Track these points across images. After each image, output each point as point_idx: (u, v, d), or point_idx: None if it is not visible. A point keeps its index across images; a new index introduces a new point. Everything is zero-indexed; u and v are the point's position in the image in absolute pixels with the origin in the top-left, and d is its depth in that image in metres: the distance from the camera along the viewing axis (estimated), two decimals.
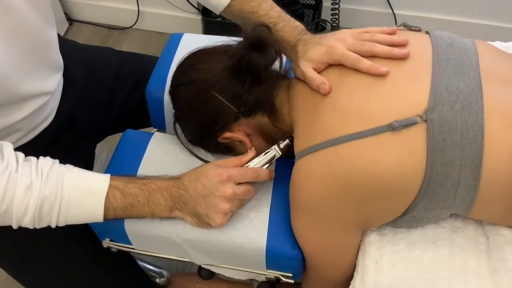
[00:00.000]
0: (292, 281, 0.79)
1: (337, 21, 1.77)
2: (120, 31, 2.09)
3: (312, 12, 1.80)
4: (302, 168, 0.69)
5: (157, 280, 1.23)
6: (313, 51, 0.74)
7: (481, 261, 0.68)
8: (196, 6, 1.91)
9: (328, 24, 1.81)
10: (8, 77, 0.71)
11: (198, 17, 1.90)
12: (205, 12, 1.72)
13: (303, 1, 1.78)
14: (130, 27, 2.08)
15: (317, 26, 1.78)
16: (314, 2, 1.78)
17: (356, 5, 1.87)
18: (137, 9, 2.00)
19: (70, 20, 2.11)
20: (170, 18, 2.01)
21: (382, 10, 1.86)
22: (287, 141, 0.78)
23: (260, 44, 0.73)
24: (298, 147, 0.72)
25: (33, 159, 0.68)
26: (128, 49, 1.95)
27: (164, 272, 1.24)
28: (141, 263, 1.12)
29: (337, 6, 1.73)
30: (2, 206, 0.63)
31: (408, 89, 0.66)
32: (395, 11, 1.83)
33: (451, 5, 1.77)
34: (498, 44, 0.91)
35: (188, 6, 1.92)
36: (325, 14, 1.78)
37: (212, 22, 1.71)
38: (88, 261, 0.91)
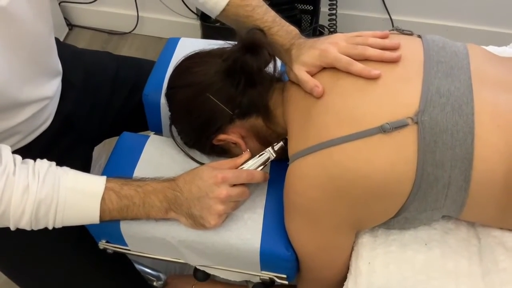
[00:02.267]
0: (286, 282, 0.80)
1: (334, 27, 1.78)
2: (119, 36, 2.11)
3: (309, 18, 1.82)
4: (296, 171, 0.70)
5: (154, 283, 1.23)
6: (307, 54, 0.75)
7: (473, 262, 0.69)
8: (195, 12, 1.93)
9: (325, 29, 1.83)
10: (8, 85, 0.72)
11: (197, 23, 1.91)
12: (203, 17, 1.74)
13: (301, 7, 1.79)
14: (130, 32, 2.09)
15: (314, 31, 1.79)
16: (311, 8, 1.79)
17: (353, 11, 1.88)
18: (136, 14, 2.02)
19: (70, 25, 2.12)
20: (169, 23, 2.02)
21: (379, 15, 1.87)
22: (281, 143, 0.79)
23: (254, 47, 0.74)
24: (292, 150, 0.73)
25: (30, 161, 0.69)
26: (127, 54, 1.96)
27: (162, 275, 1.24)
28: (138, 266, 1.12)
29: (334, 11, 1.74)
30: (0, 208, 0.64)
31: (399, 91, 0.67)
32: (392, 17, 1.85)
33: (448, 10, 1.79)
34: (491, 49, 0.92)
35: (187, 11, 1.94)
36: (323, 20, 1.80)
37: (210, 28, 1.72)
38: (85, 263, 0.92)
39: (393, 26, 1.86)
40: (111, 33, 2.11)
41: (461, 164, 0.63)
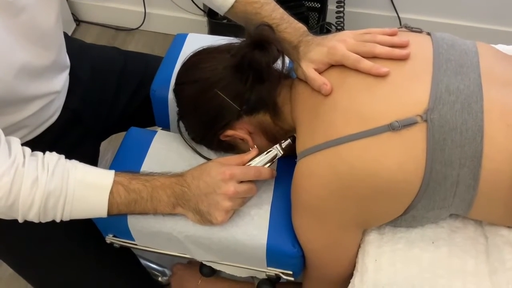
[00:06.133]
0: (292, 278, 0.80)
1: (342, 24, 1.77)
2: (126, 32, 2.11)
3: (317, 15, 1.81)
4: (304, 169, 0.70)
5: (159, 278, 1.24)
6: (315, 52, 0.75)
7: (480, 261, 0.69)
8: (202, 8, 1.93)
9: (333, 27, 1.82)
10: (17, 79, 0.73)
11: (204, 19, 1.91)
12: (211, 14, 1.74)
13: (308, 4, 1.79)
14: (137, 28, 2.10)
15: (322, 29, 1.79)
16: (319, 5, 1.79)
17: (361, 9, 1.87)
18: (143, 10, 2.02)
19: (78, 21, 2.13)
20: (176, 19, 2.02)
21: (387, 13, 1.86)
22: (289, 140, 0.79)
23: (262, 43, 0.73)
24: (299, 147, 0.73)
25: (39, 154, 0.69)
26: (134, 50, 1.96)
27: (167, 271, 1.24)
28: (143, 262, 1.13)
29: (342, 9, 1.74)
30: (9, 200, 0.65)
31: (408, 89, 0.67)
32: (400, 15, 1.84)
33: (456, 9, 1.78)
34: (500, 47, 0.91)
35: (194, 8, 1.94)
36: (330, 17, 1.79)
37: (217, 24, 1.72)
38: (91, 258, 0.92)
39: (400, 24, 1.85)
40: (118, 29, 2.12)
41: (470, 162, 0.63)
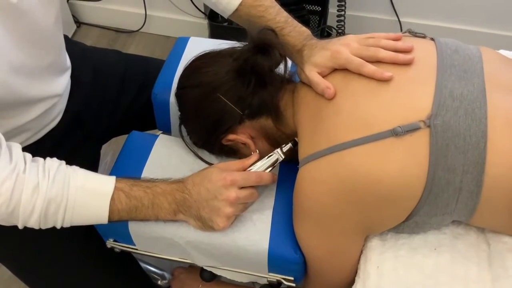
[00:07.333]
0: (293, 284, 0.79)
1: (342, 28, 1.77)
2: (127, 34, 2.11)
3: (318, 19, 1.81)
4: (306, 175, 0.69)
5: (159, 282, 1.23)
6: (318, 55, 0.74)
7: (482, 267, 0.68)
8: (203, 11, 1.92)
9: (333, 30, 1.82)
10: (17, 81, 0.72)
11: (205, 22, 1.91)
12: (211, 16, 1.74)
13: (309, 7, 1.79)
14: (137, 30, 2.10)
15: (322, 32, 1.79)
16: (320, 9, 1.79)
17: (362, 12, 1.87)
18: (144, 12, 2.02)
19: (78, 23, 2.13)
20: (177, 22, 2.02)
21: (388, 17, 1.86)
22: (289, 145, 0.78)
23: (265, 47, 0.73)
24: (302, 153, 0.72)
25: (40, 159, 0.69)
26: (134, 52, 1.94)
27: (166, 274, 1.24)
28: (143, 265, 1.12)
29: (343, 12, 1.74)
30: (10, 206, 0.64)
31: (412, 94, 0.66)
32: (400, 19, 1.84)
33: (457, 13, 1.78)
34: (502, 52, 0.91)
35: (195, 10, 1.94)
36: (331, 21, 1.79)
37: (218, 27, 1.72)
38: (90, 262, 0.92)
39: (401, 28, 1.85)
40: (118, 31, 2.12)
41: (473, 169, 0.62)
